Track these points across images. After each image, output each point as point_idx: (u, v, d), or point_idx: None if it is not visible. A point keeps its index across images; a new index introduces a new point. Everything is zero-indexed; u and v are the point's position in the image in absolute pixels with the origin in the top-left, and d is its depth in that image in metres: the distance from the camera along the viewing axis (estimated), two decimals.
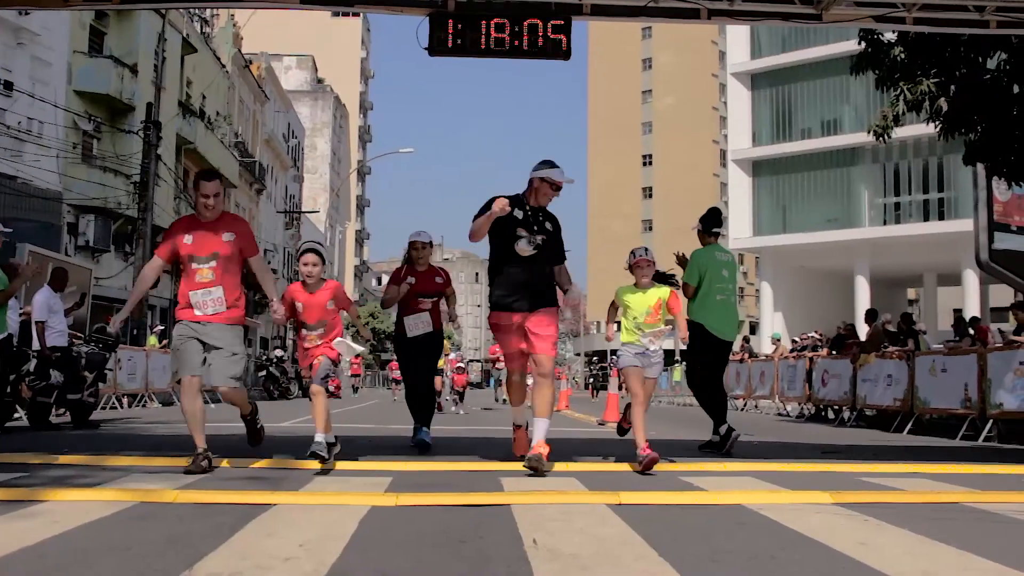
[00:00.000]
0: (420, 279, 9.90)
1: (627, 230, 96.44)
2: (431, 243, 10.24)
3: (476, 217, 7.72)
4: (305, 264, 7.55)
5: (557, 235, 8.06)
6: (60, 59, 33.90)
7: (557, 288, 8.10)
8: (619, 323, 8.33)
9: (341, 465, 7.80)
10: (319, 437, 7.36)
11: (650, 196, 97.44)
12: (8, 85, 31.06)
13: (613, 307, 8.39)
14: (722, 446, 9.84)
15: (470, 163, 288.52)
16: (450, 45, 8.49)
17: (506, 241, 7.81)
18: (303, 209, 69.19)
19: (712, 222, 10.64)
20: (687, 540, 4.70)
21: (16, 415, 13.81)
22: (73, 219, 33.53)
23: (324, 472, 7.35)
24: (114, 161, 34.76)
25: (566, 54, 8.65)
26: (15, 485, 6.37)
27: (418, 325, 9.85)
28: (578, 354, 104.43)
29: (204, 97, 45.36)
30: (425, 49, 8.58)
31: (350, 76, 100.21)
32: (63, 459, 8.07)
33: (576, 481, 7.06)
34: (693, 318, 10.07)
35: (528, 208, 7.86)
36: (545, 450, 7.54)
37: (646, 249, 8.21)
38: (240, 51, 53.48)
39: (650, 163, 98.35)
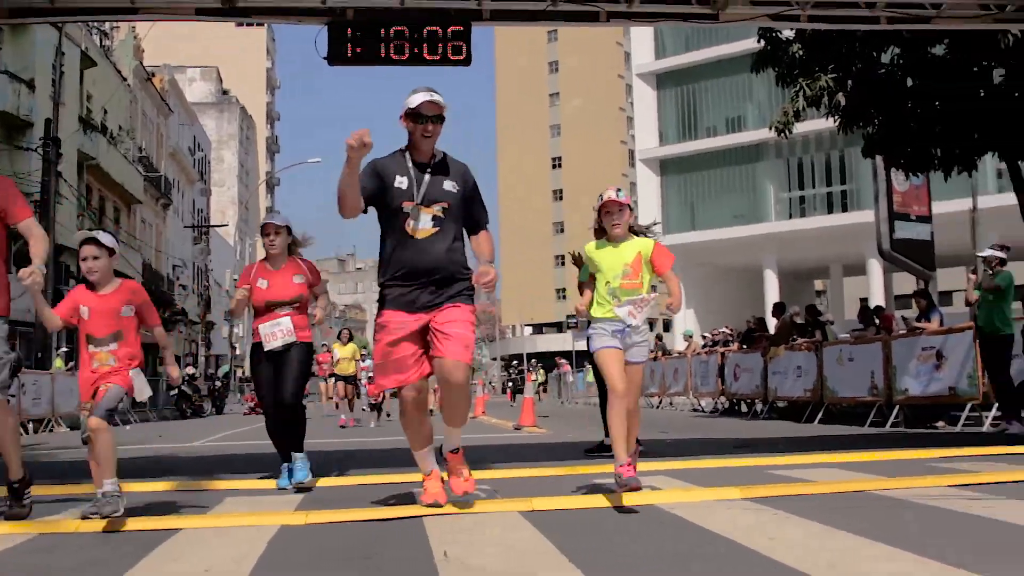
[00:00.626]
0: (274, 281, 7.64)
1: (539, 233, 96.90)
2: (287, 228, 7.76)
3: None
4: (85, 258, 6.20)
5: (468, 193, 5.92)
6: None
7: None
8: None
9: (254, 484, 7.66)
10: (108, 485, 5.70)
11: (560, 198, 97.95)
12: None
13: (582, 270, 6.61)
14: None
15: None
16: (349, 54, 8.41)
17: (392, 218, 5.77)
18: (211, 223, 68.18)
19: None
20: (600, 545, 4.70)
21: None
22: None
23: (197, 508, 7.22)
24: (12, 180, 33.83)
25: (466, 61, 8.62)
26: None
27: (276, 334, 7.53)
28: (495, 358, 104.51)
29: (105, 111, 44.43)
30: (324, 59, 8.48)
31: (256, 87, 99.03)
32: None
33: (489, 489, 7.03)
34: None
35: (413, 168, 5.77)
36: (470, 482, 6.03)
37: (618, 190, 6.19)
38: (142, 64, 52.50)
39: (559, 165, 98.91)
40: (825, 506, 5.63)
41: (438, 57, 8.55)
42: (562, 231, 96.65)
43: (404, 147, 5.84)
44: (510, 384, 53.02)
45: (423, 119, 5.68)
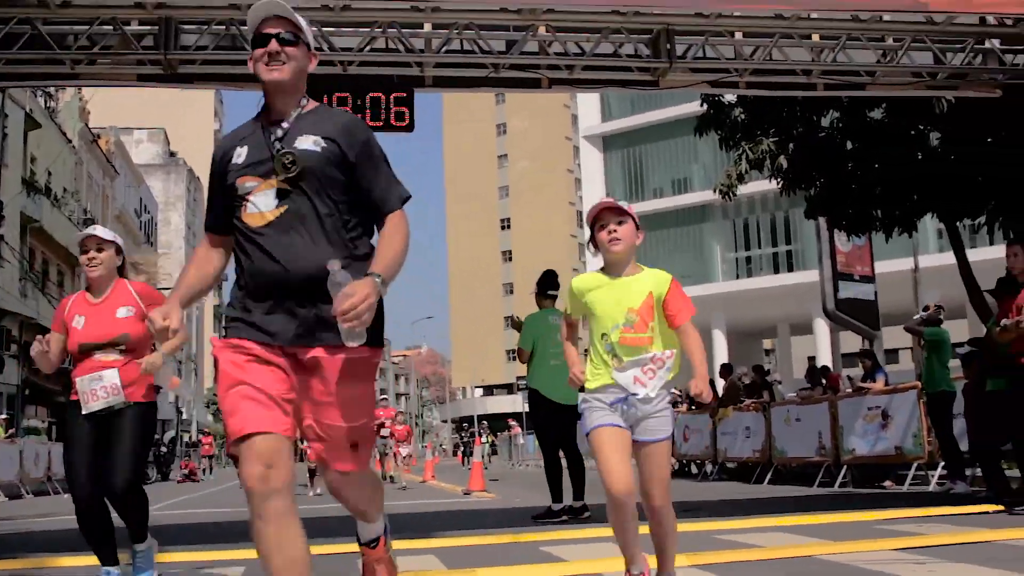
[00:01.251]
0: (92, 318, 5.72)
1: (488, 294, 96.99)
2: (117, 245, 5.90)
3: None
4: None
5: (353, 154, 3.70)
6: None
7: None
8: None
9: (190, 556, 7.49)
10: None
11: (510, 259, 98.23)
12: None
13: (570, 326, 4.73)
14: (572, 513, 9.88)
15: None
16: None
17: (235, 208, 3.72)
18: (159, 286, 67.54)
19: (548, 284, 10.55)
20: None
21: None
22: None
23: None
24: None
25: (409, 127, 8.66)
26: None
27: (95, 392, 5.53)
28: (445, 420, 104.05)
29: (50, 173, 44.04)
30: None
31: (204, 148, 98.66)
32: None
33: (434, 558, 6.93)
34: (530, 385, 10.18)
35: (261, 131, 3.77)
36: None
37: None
38: (87, 126, 52.21)
39: (508, 227, 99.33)
40: (773, 571, 5.59)
41: (381, 124, 8.57)
42: (511, 292, 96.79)
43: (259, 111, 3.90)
44: (461, 447, 52.68)
45: (272, 55, 3.72)
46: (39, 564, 7.42)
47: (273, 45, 3.69)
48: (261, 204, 3.59)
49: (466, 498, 15.71)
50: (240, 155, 3.72)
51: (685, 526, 8.58)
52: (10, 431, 25.04)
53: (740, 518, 9.11)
